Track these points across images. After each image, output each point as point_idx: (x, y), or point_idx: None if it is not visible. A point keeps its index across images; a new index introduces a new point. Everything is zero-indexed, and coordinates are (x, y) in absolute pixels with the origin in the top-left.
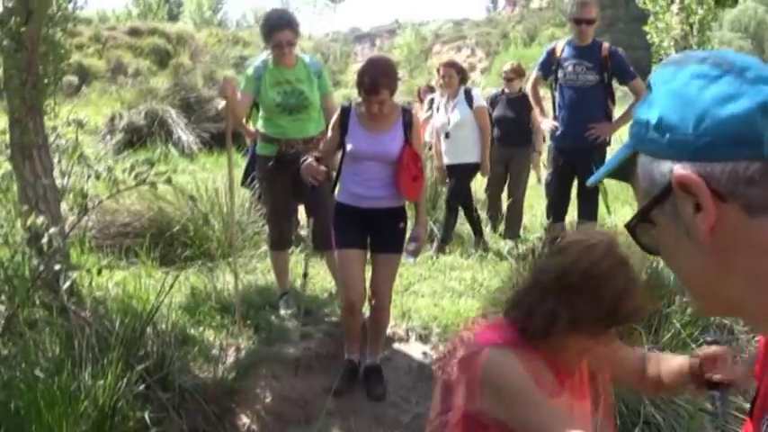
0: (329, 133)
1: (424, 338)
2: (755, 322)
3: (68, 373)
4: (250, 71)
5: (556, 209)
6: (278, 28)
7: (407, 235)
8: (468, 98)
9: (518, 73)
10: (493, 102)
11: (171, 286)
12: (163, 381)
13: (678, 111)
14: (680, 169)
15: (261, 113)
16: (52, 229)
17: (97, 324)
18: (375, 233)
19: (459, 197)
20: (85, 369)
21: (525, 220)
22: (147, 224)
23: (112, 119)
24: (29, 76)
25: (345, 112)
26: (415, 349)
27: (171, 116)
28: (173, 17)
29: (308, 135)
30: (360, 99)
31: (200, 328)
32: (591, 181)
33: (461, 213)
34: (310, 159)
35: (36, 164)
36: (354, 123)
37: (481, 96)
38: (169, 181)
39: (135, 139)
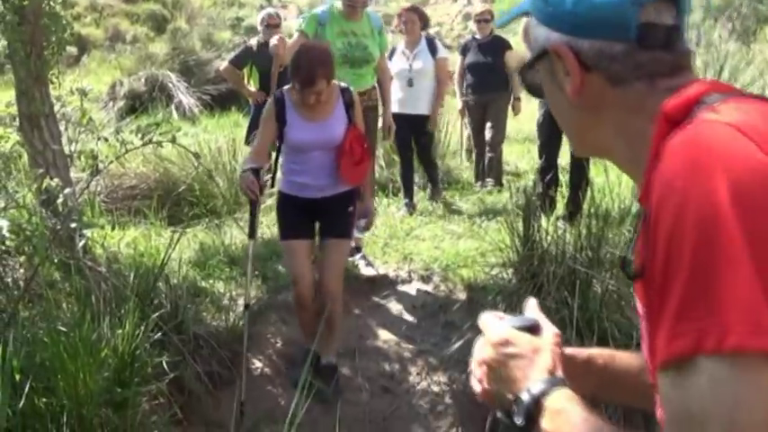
0: (262, 126)
1: (425, 279)
2: (621, 164)
3: (88, 325)
4: (314, 14)
5: (548, 149)
6: None
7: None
8: (431, 47)
9: (489, 15)
10: (464, 49)
11: (177, 242)
12: (177, 328)
13: None
14: (555, 39)
15: None
16: (67, 190)
17: (113, 278)
18: (323, 219)
19: (410, 148)
20: (104, 321)
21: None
22: (154, 185)
23: (113, 86)
24: (33, 47)
25: (279, 102)
26: (417, 290)
27: (171, 80)
28: None
29: (364, 88)
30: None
31: (210, 281)
32: (499, 23)
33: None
34: (247, 173)
35: (44, 132)
36: (292, 113)
37: (443, 48)
38: (173, 140)
39: (137, 105)
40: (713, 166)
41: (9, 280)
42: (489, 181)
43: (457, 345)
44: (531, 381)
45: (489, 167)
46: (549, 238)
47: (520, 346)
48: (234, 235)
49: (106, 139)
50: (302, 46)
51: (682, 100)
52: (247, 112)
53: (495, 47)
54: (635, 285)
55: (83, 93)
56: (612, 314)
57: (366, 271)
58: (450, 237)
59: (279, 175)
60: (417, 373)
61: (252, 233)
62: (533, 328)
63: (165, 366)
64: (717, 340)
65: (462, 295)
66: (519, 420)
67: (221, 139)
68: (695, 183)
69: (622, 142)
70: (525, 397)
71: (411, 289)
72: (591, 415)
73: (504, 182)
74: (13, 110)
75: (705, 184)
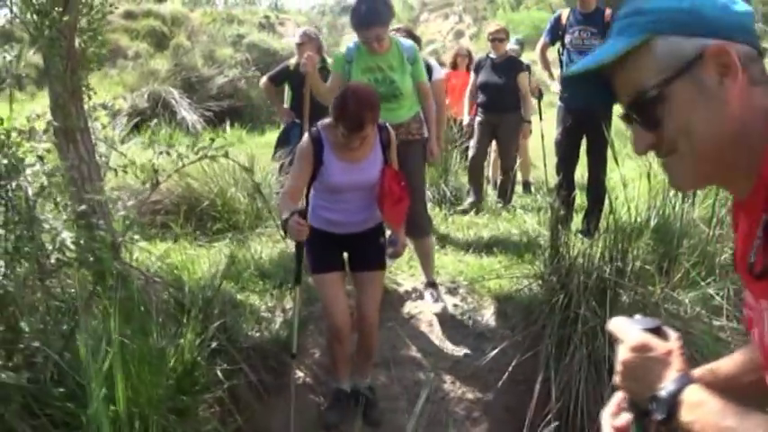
0: (298, 165)
1: (452, 291)
2: (732, 181)
3: (154, 335)
4: (342, 52)
5: (566, 166)
6: (363, 26)
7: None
8: (426, 69)
9: (504, 35)
10: (477, 67)
11: (212, 256)
12: (230, 339)
13: (708, 3)
14: (712, 43)
15: None
16: (130, 202)
17: (171, 290)
18: (354, 251)
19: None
20: (165, 330)
21: (532, 176)
22: (176, 200)
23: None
24: (69, 62)
25: (317, 141)
26: (446, 302)
27: (174, 97)
28: None
29: (398, 122)
30: (327, 122)
31: (246, 293)
32: (570, 71)
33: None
34: (294, 217)
35: (80, 146)
36: (329, 154)
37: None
38: (226, 154)
39: (140, 121)
40: None
41: (73, 290)
42: (499, 201)
43: (489, 354)
44: (668, 380)
45: (502, 190)
46: (576, 250)
47: (655, 349)
48: (259, 249)
49: (168, 153)
50: (348, 88)
51: None
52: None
53: (508, 67)
54: (755, 282)
55: (104, 107)
56: None
57: (433, 308)
58: (473, 251)
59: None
60: (452, 382)
61: (298, 278)
62: (659, 330)
63: (221, 375)
64: None
65: (490, 306)
66: (660, 415)
67: (236, 153)
68: None
69: (739, 151)
70: (664, 394)
71: (440, 301)
72: (728, 403)
73: (512, 199)
74: (40, 123)
75: None
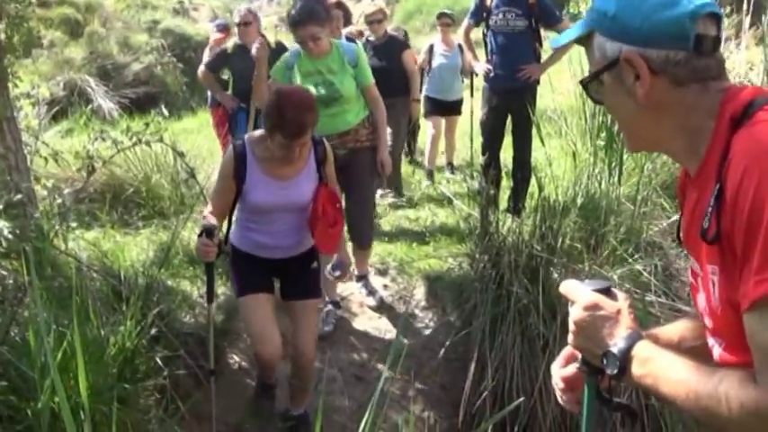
0: (219, 182)
1: (382, 272)
2: (675, 154)
3: (93, 323)
4: (282, 61)
5: (491, 146)
6: (299, 24)
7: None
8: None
9: (382, 15)
10: None
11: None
12: (168, 326)
13: (629, 11)
14: (627, 50)
15: None
16: (66, 190)
17: (109, 277)
18: (285, 278)
19: None
20: (103, 319)
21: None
22: (102, 189)
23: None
24: None
25: (240, 157)
26: (376, 283)
27: (90, 85)
28: None
29: (343, 129)
30: (257, 135)
31: (177, 279)
32: (554, 44)
33: None
34: (202, 238)
35: (6, 136)
36: (255, 170)
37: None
38: (161, 140)
39: (59, 110)
40: None
41: (11, 282)
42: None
43: (421, 334)
44: (618, 337)
45: (389, 179)
46: (506, 229)
47: (606, 308)
48: (187, 236)
49: (103, 139)
50: (279, 93)
51: (739, 102)
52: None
53: (390, 48)
54: (702, 248)
55: (27, 96)
56: None
57: (368, 300)
58: (401, 235)
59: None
60: (386, 362)
61: (210, 297)
62: (608, 291)
63: (161, 363)
64: None
65: (421, 287)
66: (612, 370)
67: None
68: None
69: (682, 137)
70: (615, 350)
71: (369, 281)
72: (677, 356)
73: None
74: None
75: None
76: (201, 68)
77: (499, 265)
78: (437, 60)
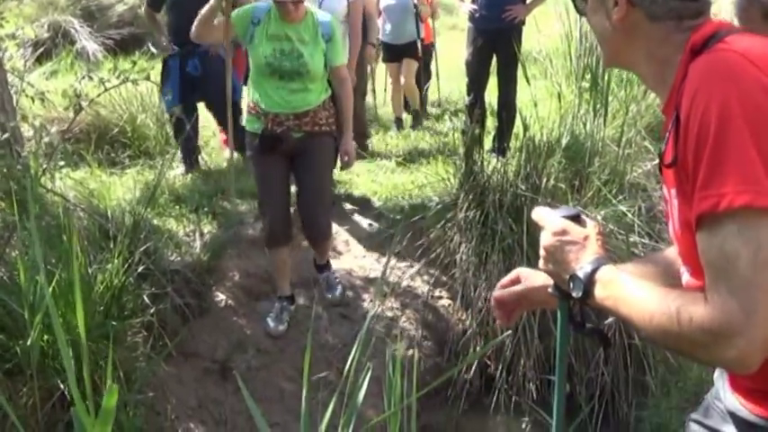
0: None
1: (366, 212)
2: (646, 80)
3: (80, 261)
4: (247, 9)
5: (477, 86)
6: None
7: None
8: None
9: None
10: None
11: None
12: (154, 264)
13: None
14: None
15: (251, 67)
16: (53, 129)
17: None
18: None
19: None
20: (90, 257)
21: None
22: (87, 129)
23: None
24: None
25: None
26: (360, 221)
27: (74, 26)
28: None
29: (301, 109)
30: None
31: (163, 219)
32: None
33: None
34: None
35: None
36: None
37: None
38: (148, 77)
39: (43, 52)
40: (727, 81)
41: None
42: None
43: (406, 273)
44: (584, 261)
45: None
46: (490, 168)
47: (574, 233)
48: (173, 174)
49: (90, 78)
50: None
51: (700, 34)
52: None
53: None
54: (665, 174)
55: (13, 37)
56: None
57: (328, 295)
58: (384, 171)
59: None
60: (371, 300)
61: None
62: (578, 218)
63: (147, 300)
64: (730, 201)
65: (405, 226)
66: (577, 293)
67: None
68: (715, 93)
69: (651, 65)
70: (580, 273)
71: (354, 220)
72: (637, 279)
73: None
74: None
75: (723, 93)
76: (144, 6)
77: (484, 205)
78: (385, 1)
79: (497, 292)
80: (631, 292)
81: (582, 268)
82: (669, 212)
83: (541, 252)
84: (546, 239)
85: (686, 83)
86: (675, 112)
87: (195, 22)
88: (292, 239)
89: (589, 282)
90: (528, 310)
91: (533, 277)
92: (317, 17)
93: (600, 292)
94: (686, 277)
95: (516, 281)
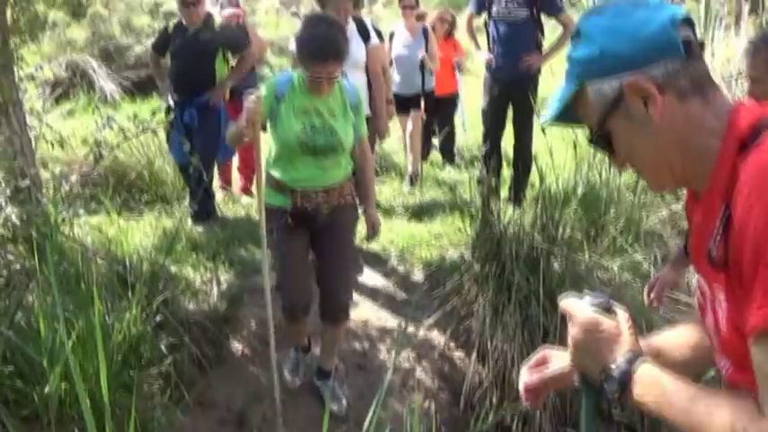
0: None
1: (383, 261)
2: (687, 179)
3: (99, 310)
4: (269, 85)
5: (493, 135)
6: (320, 59)
7: None
8: (362, 30)
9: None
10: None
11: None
12: (173, 313)
13: (615, 40)
14: (628, 78)
15: (272, 148)
16: (73, 177)
17: (114, 264)
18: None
19: None
20: (109, 305)
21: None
22: (105, 173)
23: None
24: (0, 34)
25: None
26: (376, 272)
27: (92, 66)
28: None
29: (330, 184)
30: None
31: (179, 266)
32: (544, 121)
33: None
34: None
35: (12, 119)
36: None
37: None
38: (171, 126)
39: (61, 92)
40: None
41: (17, 267)
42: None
43: (423, 323)
44: (619, 356)
45: None
46: (506, 218)
47: (607, 326)
48: (189, 221)
49: (111, 127)
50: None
51: (746, 125)
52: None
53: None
54: (707, 268)
55: (33, 78)
56: (573, 289)
57: (332, 405)
58: (401, 219)
59: None
60: (387, 351)
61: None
62: (608, 307)
63: (164, 350)
64: None
65: (422, 275)
66: (611, 390)
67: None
68: None
69: (688, 157)
70: (616, 370)
71: (370, 270)
72: (678, 379)
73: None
74: None
75: None
76: (149, 49)
77: (500, 255)
78: (396, 50)
79: (525, 378)
80: (675, 397)
81: (617, 364)
82: (708, 306)
83: (570, 345)
84: (576, 333)
85: (741, 184)
86: (725, 210)
87: (227, 136)
88: (309, 312)
89: (625, 379)
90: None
91: (560, 359)
92: (345, 88)
93: (639, 391)
94: (727, 369)
95: (542, 361)
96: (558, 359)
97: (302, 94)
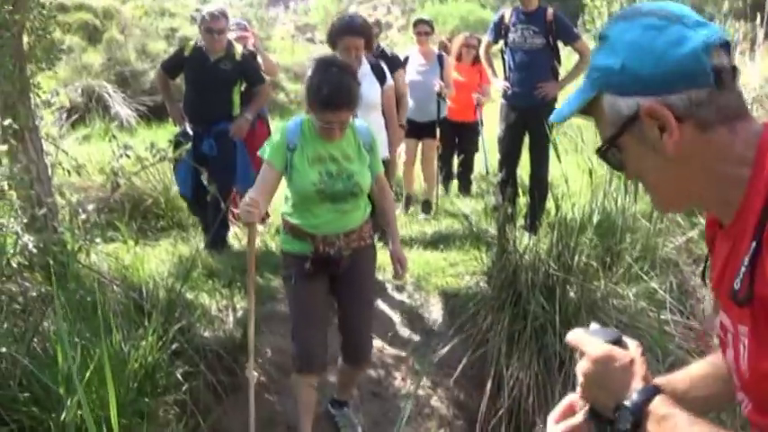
0: None
1: (399, 288)
2: (708, 206)
3: (115, 338)
4: (279, 136)
5: (508, 162)
6: (333, 107)
7: None
8: (378, 72)
9: (377, 29)
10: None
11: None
12: (188, 340)
13: (638, 57)
14: (646, 102)
15: (288, 195)
16: (90, 206)
17: (130, 291)
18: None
19: None
20: (124, 333)
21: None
22: (121, 199)
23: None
24: (17, 61)
25: None
26: (392, 299)
27: (107, 91)
28: None
29: (351, 228)
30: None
31: (195, 293)
32: (554, 118)
33: None
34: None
35: (29, 146)
36: None
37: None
38: (181, 156)
39: (76, 117)
40: None
41: (34, 294)
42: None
43: (438, 351)
44: (633, 390)
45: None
46: (522, 246)
47: (619, 360)
48: (203, 248)
49: (128, 156)
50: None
51: None
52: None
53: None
54: (734, 307)
55: (47, 104)
56: (589, 317)
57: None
58: (418, 247)
59: None
60: (402, 379)
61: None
62: (619, 341)
63: (180, 377)
64: None
65: (437, 303)
66: (624, 425)
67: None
68: None
69: (712, 185)
70: (629, 404)
71: (386, 297)
72: (694, 417)
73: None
74: None
75: None
76: (158, 68)
77: (516, 284)
78: (410, 76)
79: (558, 428)
80: None
81: (631, 398)
82: (730, 343)
83: (581, 379)
84: (587, 367)
85: None
86: (754, 246)
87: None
88: (325, 368)
89: (640, 414)
90: None
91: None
92: (357, 129)
93: (652, 427)
94: (746, 407)
95: (569, 411)
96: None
97: (314, 141)
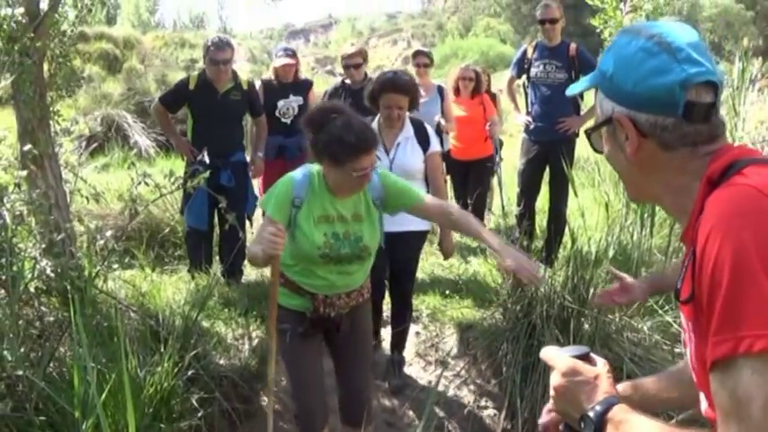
0: None
1: (415, 320)
2: (668, 210)
3: (131, 363)
4: (284, 189)
5: (527, 196)
6: (359, 152)
7: None
8: (421, 135)
9: (362, 59)
10: (332, 96)
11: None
12: (204, 367)
13: (625, 73)
14: (618, 110)
15: (292, 253)
16: (108, 232)
17: (147, 318)
18: None
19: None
20: (140, 358)
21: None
22: (138, 227)
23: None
24: (38, 88)
25: None
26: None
27: (127, 121)
28: (110, 20)
29: (354, 287)
30: None
31: (211, 321)
32: (569, 92)
33: None
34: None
35: (48, 173)
36: None
37: (435, 136)
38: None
39: (96, 145)
40: (743, 219)
41: (51, 319)
42: None
43: (452, 382)
44: (595, 401)
45: None
46: None
47: (584, 373)
48: (219, 276)
49: (147, 184)
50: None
51: (719, 164)
52: (187, 166)
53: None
54: (683, 306)
55: (66, 132)
56: (602, 349)
57: None
58: (433, 280)
59: None
60: (415, 409)
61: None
62: (587, 356)
63: (195, 403)
64: (749, 345)
65: (453, 335)
66: None
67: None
68: (730, 232)
69: (669, 195)
70: (591, 414)
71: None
72: (649, 419)
73: None
74: (8, 150)
75: (737, 233)
76: (155, 102)
77: (531, 316)
78: None
79: (544, 418)
80: None
81: (593, 408)
82: (686, 342)
83: (551, 392)
84: (556, 380)
85: (702, 218)
86: (693, 247)
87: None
88: (326, 425)
89: (600, 422)
90: None
91: None
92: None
93: None
94: (704, 406)
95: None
96: None
97: (322, 197)
